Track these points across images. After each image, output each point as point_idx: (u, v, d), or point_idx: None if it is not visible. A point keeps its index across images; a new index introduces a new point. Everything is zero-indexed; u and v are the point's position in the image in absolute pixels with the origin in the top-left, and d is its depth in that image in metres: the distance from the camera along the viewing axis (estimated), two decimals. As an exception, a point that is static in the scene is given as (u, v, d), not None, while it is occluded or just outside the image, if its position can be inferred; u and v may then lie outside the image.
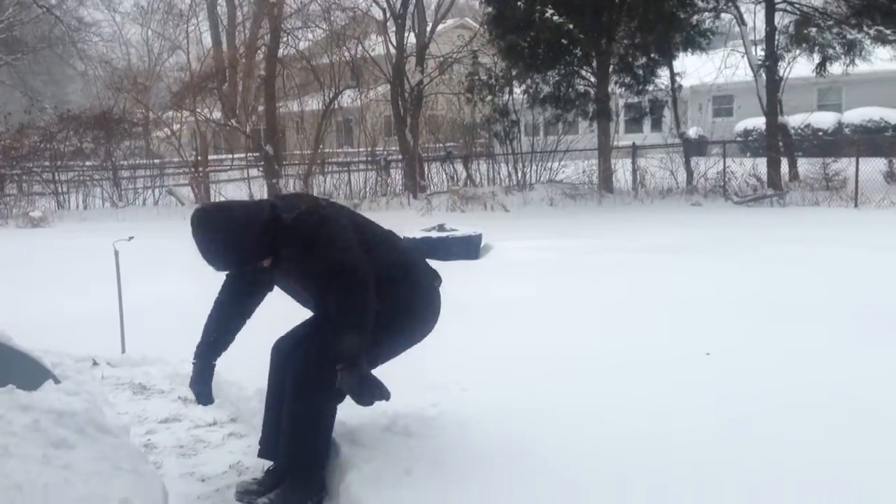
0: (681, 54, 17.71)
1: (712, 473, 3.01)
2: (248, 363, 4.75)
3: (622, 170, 17.89)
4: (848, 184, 14.79)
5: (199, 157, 19.45)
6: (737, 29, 18.54)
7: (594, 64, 17.17)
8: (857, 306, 5.91)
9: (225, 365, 4.68)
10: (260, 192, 18.28)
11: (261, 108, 21.10)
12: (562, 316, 6.01)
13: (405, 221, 13.09)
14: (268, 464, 3.35)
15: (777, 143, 16.84)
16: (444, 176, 18.88)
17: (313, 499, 3.13)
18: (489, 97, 18.63)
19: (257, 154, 19.43)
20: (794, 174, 16.72)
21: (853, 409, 3.64)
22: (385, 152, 20.62)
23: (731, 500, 2.83)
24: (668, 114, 19.80)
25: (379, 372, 3.07)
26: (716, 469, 3.05)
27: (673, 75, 17.91)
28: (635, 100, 19.09)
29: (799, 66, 17.50)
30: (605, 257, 8.94)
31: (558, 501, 2.85)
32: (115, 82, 21.92)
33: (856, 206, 13.91)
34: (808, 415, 3.57)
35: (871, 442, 3.29)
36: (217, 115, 21.81)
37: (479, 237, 10.30)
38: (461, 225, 10.92)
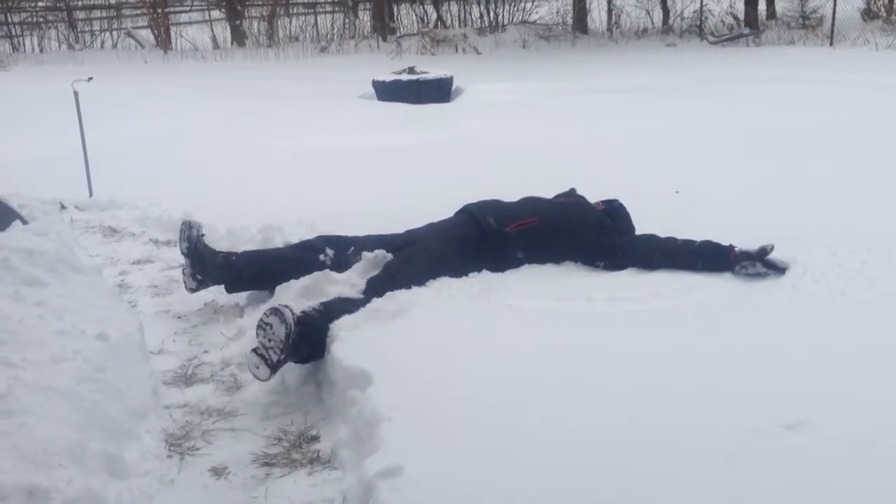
0: None
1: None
2: (218, 205, 4.75)
3: (597, 9, 17.42)
4: (825, 22, 14.55)
5: (158, -2, 18.54)
6: None
7: None
8: (819, 141, 5.99)
9: (195, 207, 4.68)
10: (223, 34, 17.62)
11: (220, -56, 19.92)
12: (531, 156, 6.00)
13: (375, 65, 12.78)
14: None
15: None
16: (414, 17, 18.27)
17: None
18: (461, -70, 17.77)
19: (219, -6, 18.58)
20: (771, 12, 16.39)
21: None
22: (352, -8, 19.77)
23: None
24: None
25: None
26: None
27: None
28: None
29: None
30: (578, 99, 8.85)
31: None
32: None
33: (831, 44, 13.73)
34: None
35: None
36: (174, -49, 20.62)
37: (449, 80, 10.14)
38: (432, 68, 10.71)
